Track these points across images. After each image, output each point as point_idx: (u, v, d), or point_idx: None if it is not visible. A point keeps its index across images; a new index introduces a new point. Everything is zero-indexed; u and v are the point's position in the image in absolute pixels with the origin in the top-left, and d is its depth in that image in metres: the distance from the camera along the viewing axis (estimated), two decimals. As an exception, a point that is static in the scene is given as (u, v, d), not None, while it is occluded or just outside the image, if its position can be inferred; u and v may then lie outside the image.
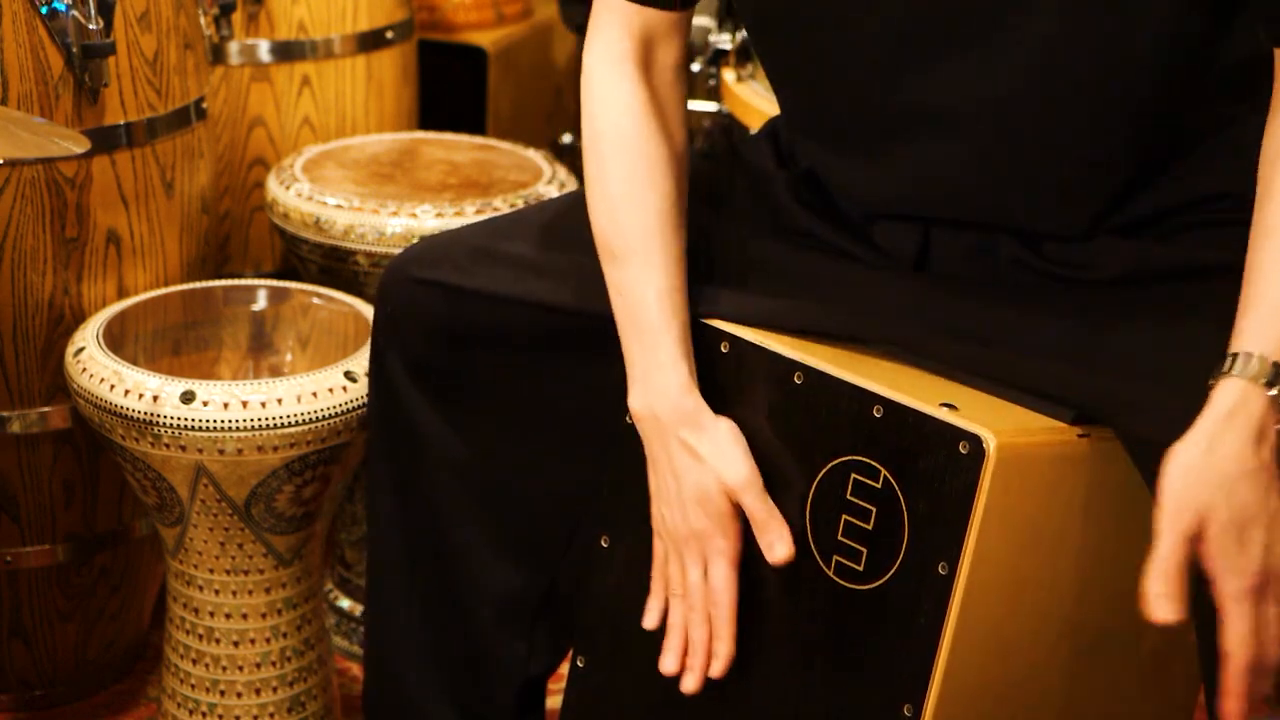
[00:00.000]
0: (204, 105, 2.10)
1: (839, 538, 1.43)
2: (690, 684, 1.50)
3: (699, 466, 1.46)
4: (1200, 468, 1.26)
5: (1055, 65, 1.38)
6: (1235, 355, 1.28)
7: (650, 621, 1.52)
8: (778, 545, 1.44)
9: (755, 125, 1.73)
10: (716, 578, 1.47)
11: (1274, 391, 1.27)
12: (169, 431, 1.79)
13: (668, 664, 1.50)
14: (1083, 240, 1.46)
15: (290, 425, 1.80)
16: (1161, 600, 1.25)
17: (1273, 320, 1.29)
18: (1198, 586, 1.39)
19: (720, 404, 1.49)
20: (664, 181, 1.52)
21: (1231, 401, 1.27)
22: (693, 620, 1.49)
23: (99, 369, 1.85)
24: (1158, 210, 1.45)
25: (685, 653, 1.50)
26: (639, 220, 1.50)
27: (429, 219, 2.11)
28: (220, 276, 2.28)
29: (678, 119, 1.56)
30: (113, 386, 1.82)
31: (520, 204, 2.14)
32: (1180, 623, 1.26)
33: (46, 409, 2.01)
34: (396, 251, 1.70)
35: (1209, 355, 1.31)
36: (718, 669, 1.49)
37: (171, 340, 2.03)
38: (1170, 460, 1.27)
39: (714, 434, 1.46)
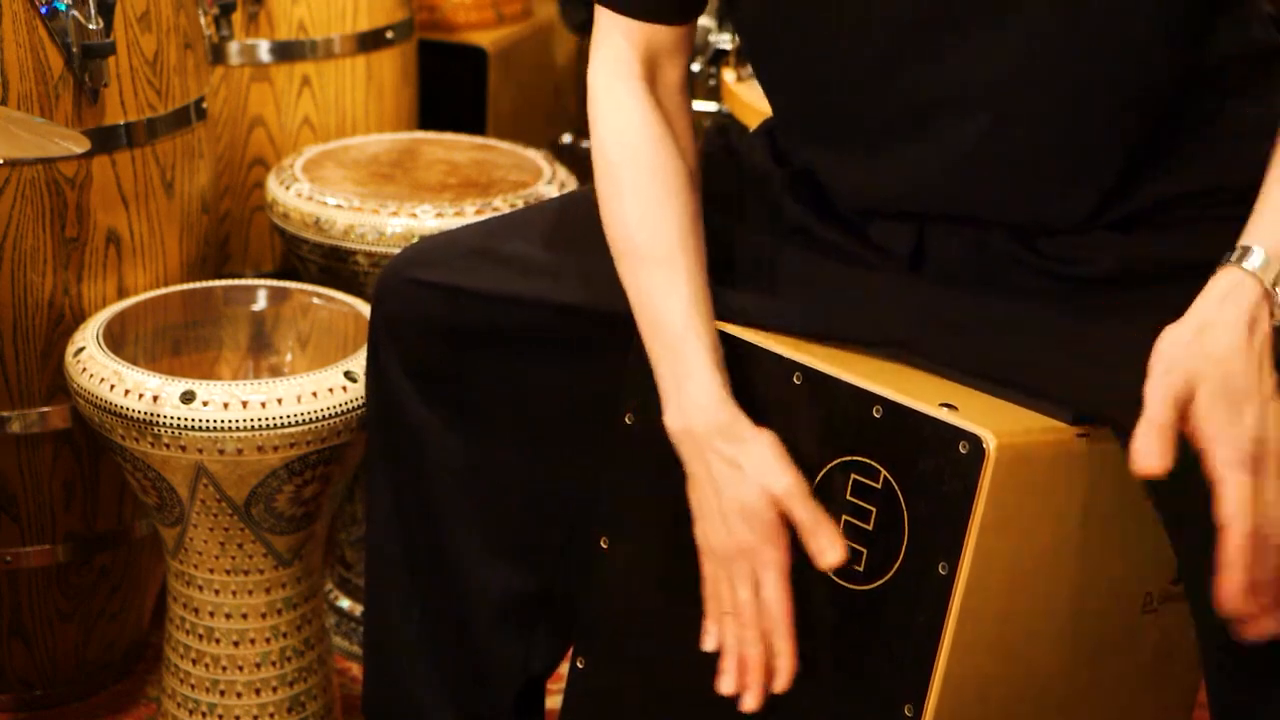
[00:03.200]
0: (204, 105, 2.10)
1: (839, 538, 1.43)
2: (750, 703, 1.46)
3: (741, 479, 1.43)
4: (1190, 342, 1.26)
5: (1050, 59, 1.38)
6: (1237, 248, 1.30)
7: (709, 644, 1.48)
8: (829, 551, 1.41)
9: (755, 125, 1.72)
10: (769, 591, 1.44)
11: (1270, 283, 1.28)
12: (169, 431, 1.79)
13: (726, 685, 1.47)
14: (1078, 233, 1.46)
15: (290, 425, 1.80)
16: (1146, 453, 1.23)
17: (1278, 217, 1.30)
18: (1197, 589, 1.39)
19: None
20: (681, 193, 1.51)
21: (1225, 288, 1.28)
22: (746, 639, 1.46)
23: (99, 369, 1.85)
24: (1154, 204, 1.45)
25: (742, 671, 1.47)
26: (660, 233, 1.49)
27: (429, 219, 2.11)
28: (220, 276, 2.27)
29: (686, 134, 1.55)
30: (113, 386, 1.82)
31: (520, 204, 2.14)
32: (1162, 475, 1.23)
33: (46, 409, 2.01)
34: (396, 251, 1.70)
35: None
36: (781, 685, 1.45)
37: (171, 340, 2.03)
38: (1162, 339, 1.27)
39: (754, 445, 1.44)
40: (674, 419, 1.46)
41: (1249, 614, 1.23)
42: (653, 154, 1.51)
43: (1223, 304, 1.28)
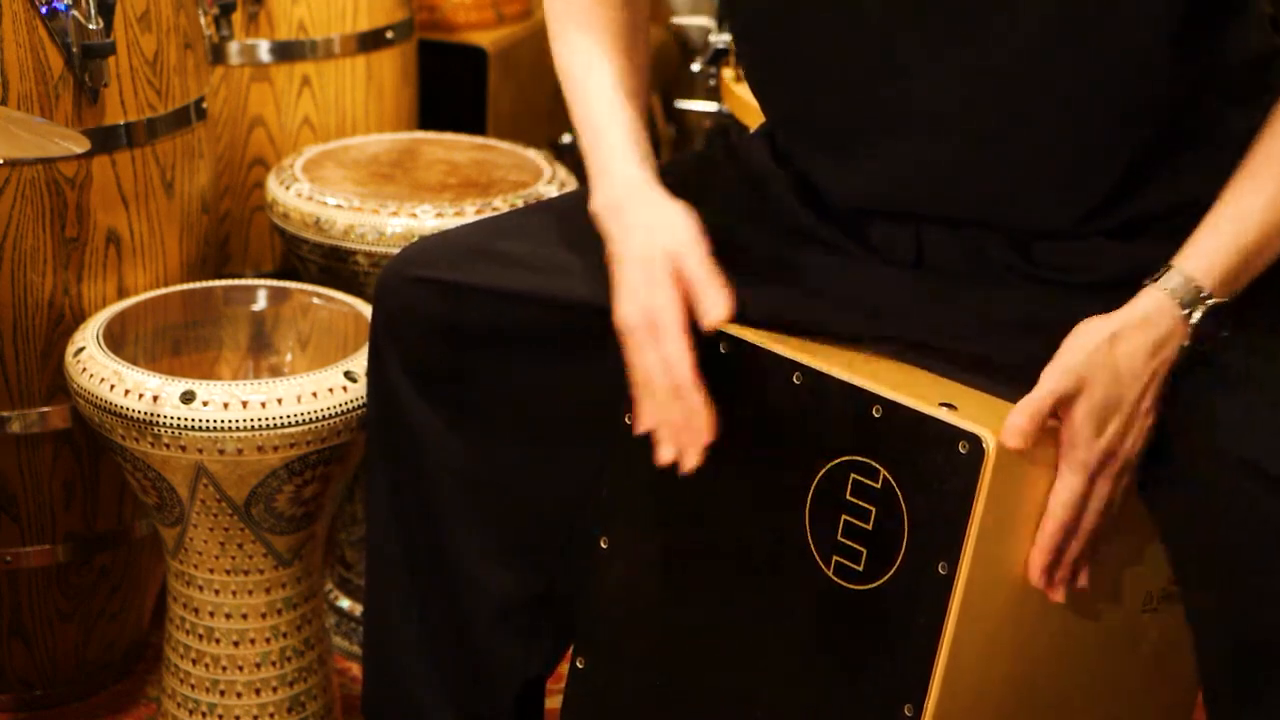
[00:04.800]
0: (204, 105, 2.10)
1: (838, 538, 1.43)
2: (688, 462, 1.46)
3: (646, 235, 1.47)
4: (1098, 351, 1.36)
5: (1049, 62, 1.38)
6: (1169, 267, 1.38)
7: (639, 426, 1.48)
8: (712, 310, 1.43)
9: (755, 125, 1.73)
10: (672, 355, 1.44)
11: (1186, 312, 1.37)
12: (169, 431, 1.79)
13: (662, 455, 1.46)
14: (1073, 239, 1.46)
15: (290, 425, 1.80)
16: (1014, 430, 1.34)
17: (1212, 245, 1.38)
18: (1198, 586, 1.39)
19: (719, 403, 1.49)
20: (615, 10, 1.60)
21: (1147, 310, 1.37)
22: (665, 406, 1.45)
23: (99, 369, 1.85)
24: (1149, 212, 1.45)
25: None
26: (591, 37, 1.60)
27: (429, 219, 2.11)
28: (220, 276, 2.27)
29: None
30: (113, 386, 1.82)
31: (520, 204, 2.14)
32: (1018, 450, 1.34)
33: (46, 409, 2.01)
34: (396, 251, 1.70)
35: None
36: (703, 439, 1.44)
37: (171, 340, 2.03)
38: (1076, 331, 1.37)
39: (663, 208, 1.48)
40: (598, 200, 1.52)
41: (1048, 585, 1.40)
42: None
43: (1142, 326, 1.37)
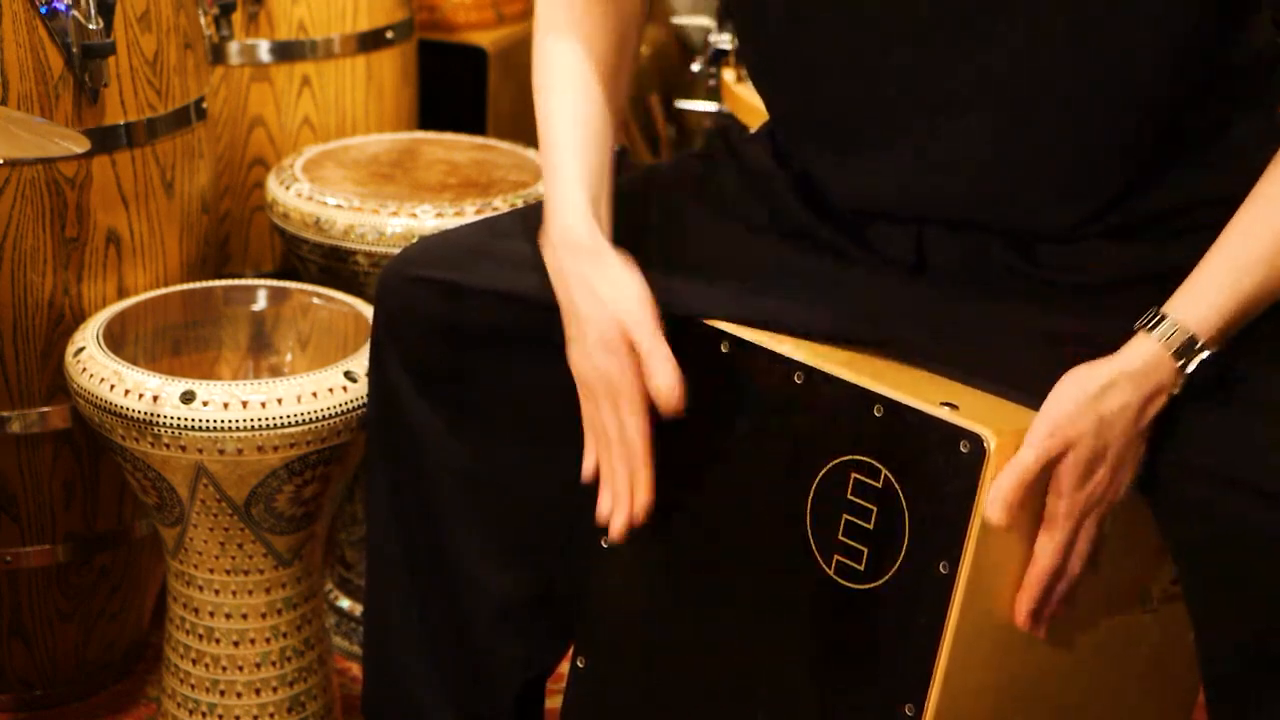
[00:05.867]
0: (204, 105, 2.10)
1: (840, 537, 1.43)
2: (614, 531, 1.48)
3: (597, 307, 1.45)
4: (1086, 408, 1.33)
5: (1052, 66, 1.38)
6: (1163, 316, 1.35)
7: (586, 473, 1.50)
8: (664, 389, 1.42)
9: (755, 125, 1.73)
10: (629, 425, 1.45)
11: (1180, 363, 1.33)
12: (169, 431, 1.79)
13: (601, 509, 1.49)
14: (1075, 241, 1.46)
15: (290, 425, 1.80)
16: (998, 504, 1.33)
17: (1206, 293, 1.34)
18: (1198, 587, 1.39)
19: (720, 404, 1.49)
20: (599, 83, 1.57)
21: (1140, 362, 1.34)
22: (613, 468, 1.47)
23: (99, 369, 1.85)
24: (1152, 213, 1.45)
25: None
26: (570, 76, 1.56)
27: (429, 219, 2.11)
28: (220, 276, 2.27)
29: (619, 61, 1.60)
30: (113, 386, 1.82)
31: (520, 204, 2.14)
32: (1003, 528, 1.33)
33: (46, 409, 2.01)
34: (396, 251, 1.70)
35: None
36: (638, 515, 1.47)
37: (171, 340, 2.03)
38: (1065, 383, 1.34)
39: (610, 269, 1.46)
40: (546, 233, 1.51)
41: (1031, 627, 1.40)
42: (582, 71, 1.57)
43: (1132, 378, 1.33)
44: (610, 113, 1.59)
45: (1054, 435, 1.33)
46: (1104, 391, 1.33)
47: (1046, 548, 1.37)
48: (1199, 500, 1.34)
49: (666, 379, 1.43)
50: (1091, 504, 1.36)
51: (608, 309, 1.45)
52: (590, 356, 1.46)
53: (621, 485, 1.48)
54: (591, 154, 1.54)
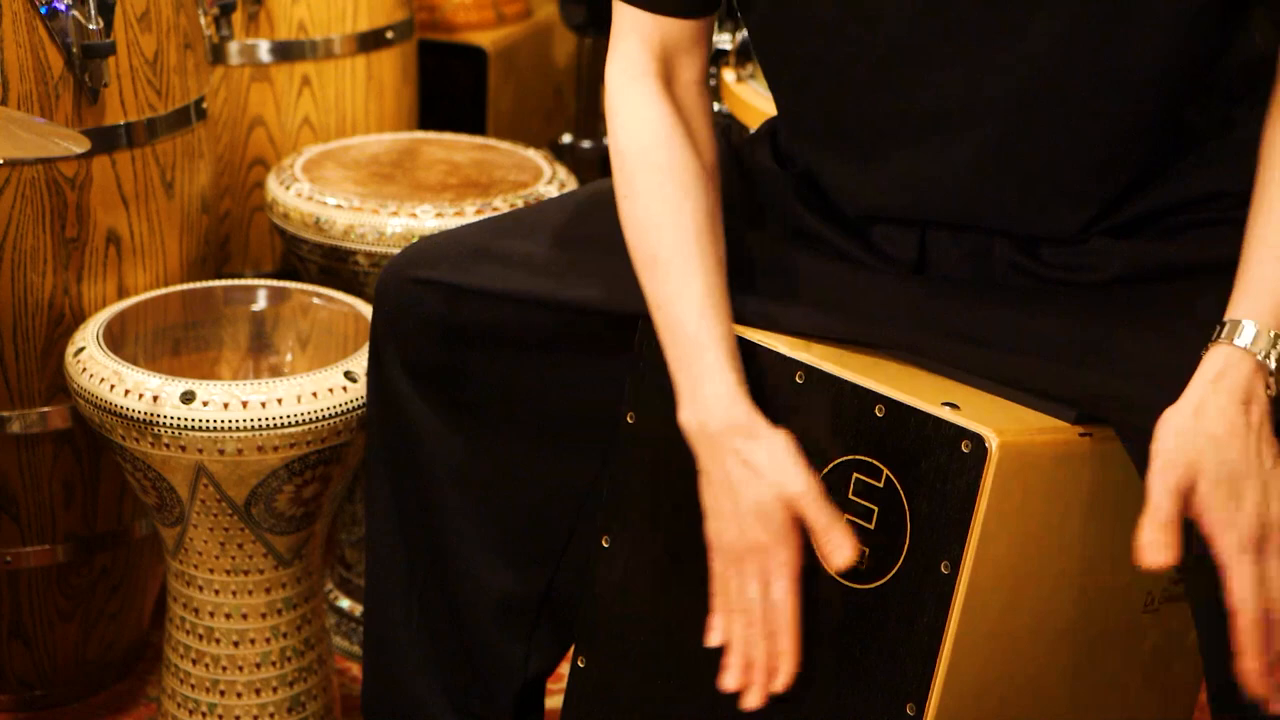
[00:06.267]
0: (204, 105, 2.10)
1: (841, 537, 1.43)
2: (753, 701, 1.45)
3: (756, 479, 1.42)
4: (1188, 429, 1.28)
5: (1056, 71, 1.38)
6: (1226, 323, 1.32)
7: (714, 640, 1.47)
8: (839, 553, 1.40)
9: (755, 125, 1.72)
10: (778, 593, 1.43)
11: (1262, 357, 1.30)
12: (169, 431, 1.79)
13: (729, 681, 1.46)
14: (1079, 242, 1.46)
15: (290, 425, 1.80)
16: (1153, 547, 1.27)
17: (1265, 289, 1.32)
18: (1198, 590, 1.39)
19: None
20: (696, 191, 1.49)
21: (1219, 367, 1.30)
22: (752, 637, 1.45)
23: (99, 369, 1.84)
24: (1155, 210, 1.45)
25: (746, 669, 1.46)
26: (673, 233, 1.47)
27: (429, 219, 2.11)
28: (220, 276, 2.27)
29: (705, 132, 1.54)
30: (113, 386, 1.82)
31: (520, 204, 2.14)
32: (1171, 567, 1.27)
33: (46, 409, 2.01)
34: (396, 251, 1.70)
35: None
36: (781, 684, 1.44)
37: (171, 340, 2.03)
38: (1161, 424, 1.30)
39: (770, 444, 1.42)
40: (689, 417, 1.45)
41: (1273, 692, 1.28)
42: (668, 153, 1.50)
43: (1217, 384, 1.30)
44: (718, 222, 1.52)
45: (1171, 464, 1.28)
46: (1197, 410, 1.29)
47: (1238, 595, 1.27)
48: None
49: (848, 555, 1.39)
50: (1263, 533, 1.28)
51: (765, 480, 1.41)
52: (741, 526, 1.43)
53: (760, 652, 1.44)
54: (726, 316, 1.47)
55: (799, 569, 1.42)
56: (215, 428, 1.79)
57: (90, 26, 1.89)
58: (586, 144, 3.06)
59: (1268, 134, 1.37)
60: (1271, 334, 1.31)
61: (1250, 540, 1.27)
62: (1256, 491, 1.28)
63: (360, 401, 1.83)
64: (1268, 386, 1.31)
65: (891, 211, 1.51)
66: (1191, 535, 1.32)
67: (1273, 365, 1.31)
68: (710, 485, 1.45)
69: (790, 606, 1.43)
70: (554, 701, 1.72)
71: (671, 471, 1.49)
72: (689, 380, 1.45)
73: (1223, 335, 1.32)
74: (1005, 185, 1.44)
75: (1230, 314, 1.33)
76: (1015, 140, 1.42)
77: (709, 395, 1.44)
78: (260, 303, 2.10)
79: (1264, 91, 1.41)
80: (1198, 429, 1.28)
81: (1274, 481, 1.28)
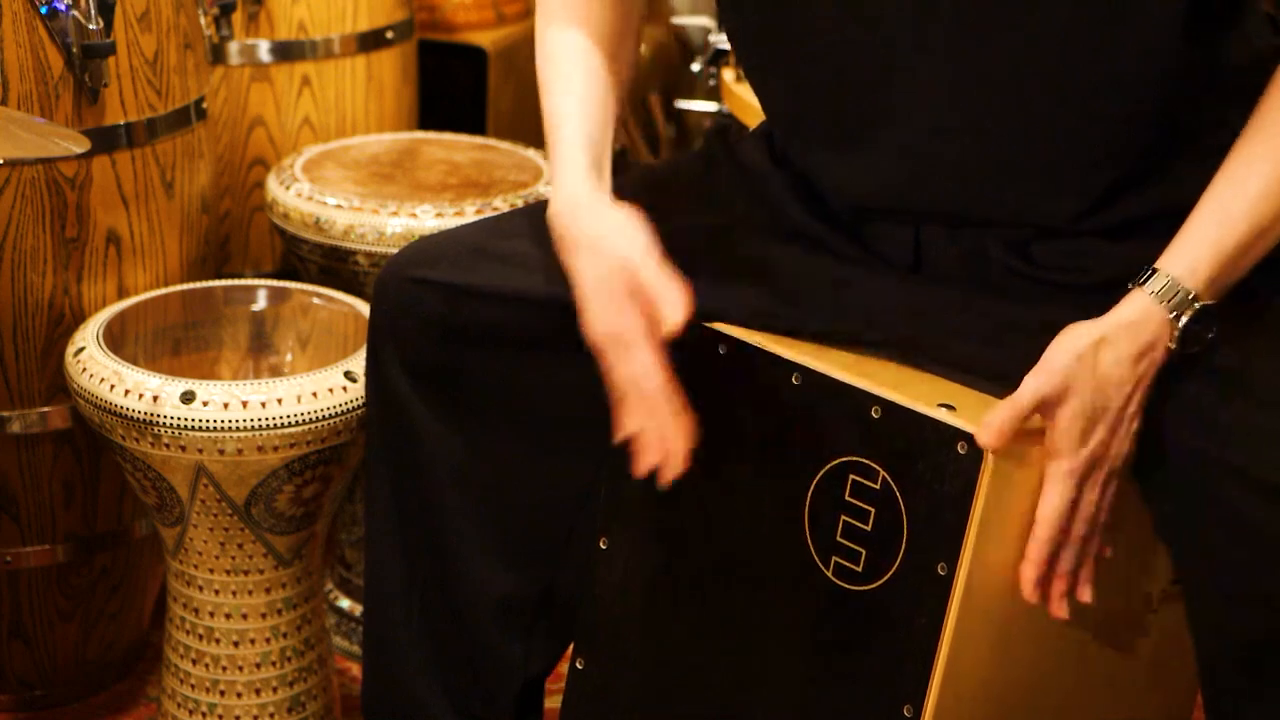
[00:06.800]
0: (204, 105, 2.11)
1: (838, 539, 1.43)
2: (666, 473, 1.46)
3: (596, 256, 1.46)
4: (1083, 357, 1.35)
5: (1051, 62, 1.38)
6: (1154, 270, 1.37)
7: (618, 435, 1.48)
8: (671, 314, 1.41)
9: (755, 125, 1.73)
10: (640, 362, 1.44)
11: (1174, 315, 1.35)
12: (169, 431, 1.79)
13: (641, 464, 1.47)
14: (1071, 239, 1.46)
15: (290, 425, 1.80)
16: (991, 430, 1.34)
17: (1197, 247, 1.36)
18: (1198, 588, 1.39)
19: (719, 404, 1.49)
20: (599, 63, 1.59)
21: (1134, 314, 1.36)
22: (640, 416, 1.45)
23: (99, 369, 1.85)
24: (1150, 211, 1.45)
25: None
26: (569, 66, 1.59)
27: (429, 219, 2.11)
28: (220, 276, 2.28)
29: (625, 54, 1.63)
30: (113, 386, 1.82)
31: (520, 204, 2.14)
32: (990, 449, 1.34)
33: (46, 409, 2.01)
34: (396, 251, 1.70)
35: None
36: (680, 448, 1.45)
37: (171, 340, 2.03)
38: (1065, 335, 1.36)
39: (607, 216, 1.47)
40: (550, 212, 1.52)
41: (1044, 600, 1.39)
42: (584, 47, 1.60)
43: (1126, 329, 1.35)
44: (612, 86, 1.60)
45: (1051, 375, 1.34)
46: (1099, 344, 1.35)
47: (1047, 510, 1.36)
48: (1189, 485, 1.34)
49: (675, 307, 1.41)
50: (1093, 464, 1.36)
51: (605, 257, 1.45)
52: (600, 315, 1.45)
53: (651, 430, 1.45)
54: (593, 124, 1.56)
55: (658, 340, 1.43)
56: (215, 428, 1.79)
57: (90, 26, 1.89)
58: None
59: (1260, 106, 1.39)
60: (1189, 294, 1.35)
61: (1080, 469, 1.36)
62: (1105, 431, 1.36)
63: (360, 401, 1.83)
64: (1170, 342, 1.36)
65: (882, 203, 1.51)
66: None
67: (1182, 323, 1.35)
68: (573, 278, 1.49)
69: (656, 374, 1.43)
70: (554, 702, 1.73)
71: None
72: (553, 175, 1.55)
73: (1148, 284, 1.36)
74: (996, 175, 1.45)
75: (1160, 261, 1.37)
76: (1006, 128, 1.42)
77: (562, 186, 1.52)
78: (260, 303, 2.10)
79: (1260, 93, 1.41)
80: (1091, 364, 1.34)
81: (1123, 426, 1.36)
